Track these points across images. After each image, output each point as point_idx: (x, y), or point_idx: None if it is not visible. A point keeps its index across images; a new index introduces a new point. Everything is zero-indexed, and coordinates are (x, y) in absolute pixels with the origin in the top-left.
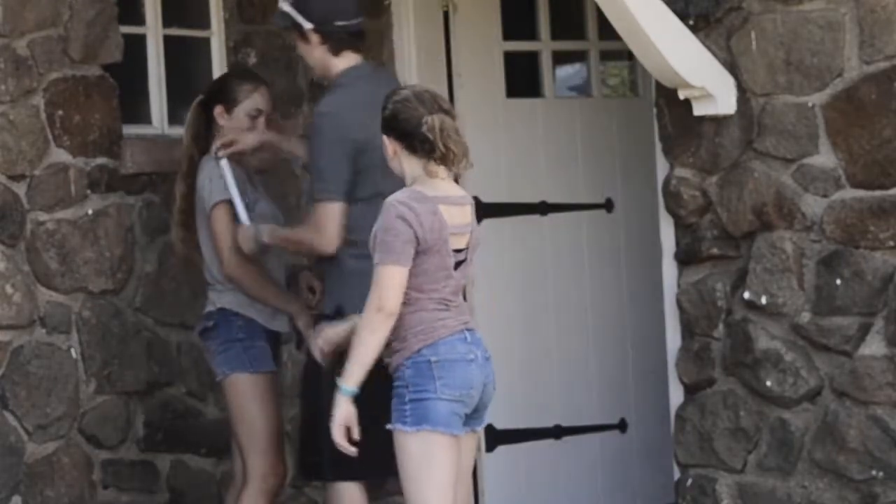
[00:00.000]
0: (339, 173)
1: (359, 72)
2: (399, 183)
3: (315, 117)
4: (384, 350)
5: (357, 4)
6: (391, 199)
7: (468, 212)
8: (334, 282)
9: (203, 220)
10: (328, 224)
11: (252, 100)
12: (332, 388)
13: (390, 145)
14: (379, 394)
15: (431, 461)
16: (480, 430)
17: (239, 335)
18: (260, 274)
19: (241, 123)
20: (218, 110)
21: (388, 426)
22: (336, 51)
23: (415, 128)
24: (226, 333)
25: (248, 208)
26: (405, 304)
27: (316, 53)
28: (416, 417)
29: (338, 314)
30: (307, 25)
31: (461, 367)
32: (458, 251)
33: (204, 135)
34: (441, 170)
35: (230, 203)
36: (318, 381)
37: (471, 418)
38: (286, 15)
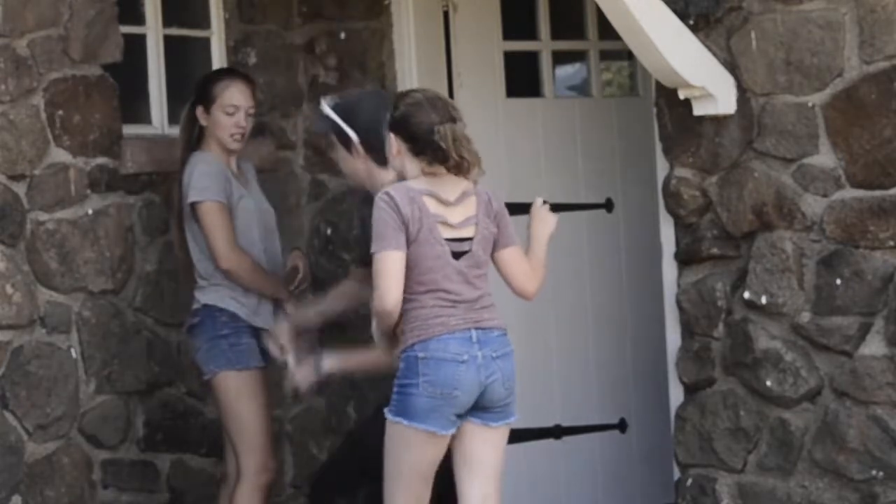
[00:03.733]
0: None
1: None
2: None
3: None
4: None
5: None
6: (378, 194)
7: (471, 205)
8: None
9: (187, 216)
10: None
11: (227, 95)
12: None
13: (396, 144)
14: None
15: (404, 453)
16: (499, 426)
17: (223, 331)
18: (255, 265)
19: (220, 121)
20: (198, 111)
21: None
22: (381, 161)
23: (425, 134)
24: (211, 329)
25: (232, 205)
26: (405, 300)
27: (359, 164)
28: (398, 409)
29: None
30: (353, 137)
31: (448, 367)
32: (458, 240)
33: (197, 138)
34: (439, 168)
35: (221, 203)
36: (370, 429)
37: (483, 415)
38: (328, 119)
